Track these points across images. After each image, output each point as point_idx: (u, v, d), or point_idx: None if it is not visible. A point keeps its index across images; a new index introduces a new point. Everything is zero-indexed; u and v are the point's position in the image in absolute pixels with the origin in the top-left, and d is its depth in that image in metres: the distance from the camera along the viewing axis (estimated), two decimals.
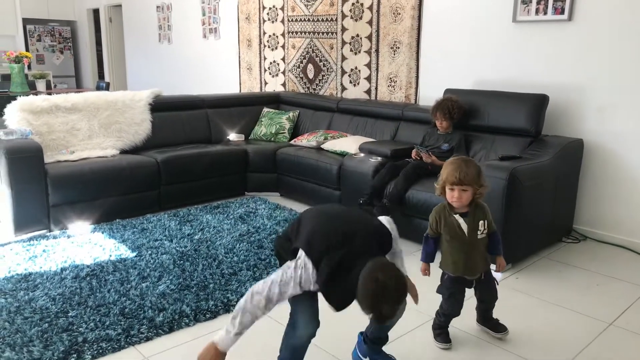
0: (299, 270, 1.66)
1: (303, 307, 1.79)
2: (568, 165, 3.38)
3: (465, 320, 2.37)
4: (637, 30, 3.19)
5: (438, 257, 2.24)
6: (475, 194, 2.06)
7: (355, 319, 2.44)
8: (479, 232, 2.11)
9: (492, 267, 2.26)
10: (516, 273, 2.98)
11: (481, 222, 2.12)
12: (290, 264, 1.70)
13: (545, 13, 3.55)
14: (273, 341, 1.98)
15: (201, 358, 1.73)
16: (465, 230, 2.10)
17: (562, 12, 3.46)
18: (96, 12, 9.45)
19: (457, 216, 2.10)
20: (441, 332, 2.28)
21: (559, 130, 3.59)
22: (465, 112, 3.63)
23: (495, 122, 3.60)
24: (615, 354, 2.20)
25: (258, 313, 1.70)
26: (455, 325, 2.36)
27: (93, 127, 4.15)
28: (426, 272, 2.24)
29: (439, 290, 2.24)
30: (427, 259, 2.23)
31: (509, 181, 2.82)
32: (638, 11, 3.17)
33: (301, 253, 1.68)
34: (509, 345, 2.25)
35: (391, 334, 2.13)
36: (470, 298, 2.28)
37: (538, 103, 3.43)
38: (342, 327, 2.38)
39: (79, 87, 10.05)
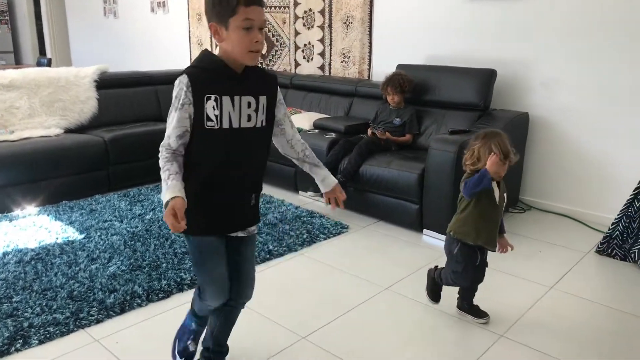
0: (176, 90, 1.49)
1: (214, 278, 1.65)
2: (515, 138, 3.43)
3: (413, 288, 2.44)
4: (580, 7, 3.30)
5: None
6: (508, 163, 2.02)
7: (308, 293, 2.48)
8: (503, 204, 2.11)
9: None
10: None
11: (505, 194, 2.11)
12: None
13: None
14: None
15: (168, 221, 1.40)
16: (497, 198, 2.06)
17: None
18: None
19: (495, 183, 2.05)
20: (470, 308, 2.26)
21: (506, 104, 3.70)
22: (415, 86, 3.67)
23: (446, 97, 3.66)
24: (555, 315, 2.32)
25: (164, 152, 1.51)
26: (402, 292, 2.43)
27: (34, 105, 3.94)
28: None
29: (443, 272, 2.21)
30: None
31: (458, 154, 2.89)
32: None
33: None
34: (455, 310, 2.33)
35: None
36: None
37: (486, 78, 3.51)
38: (299, 302, 2.41)
39: (18, 63, 9.48)
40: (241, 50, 1.47)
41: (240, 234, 1.68)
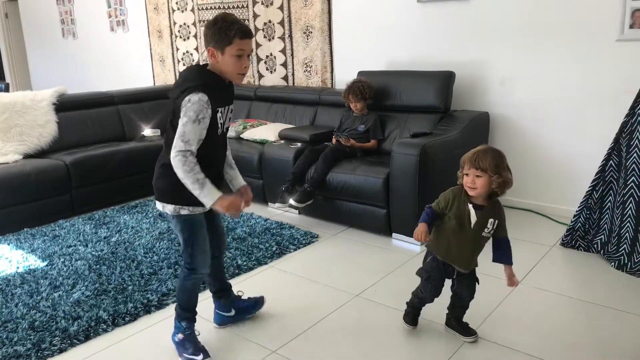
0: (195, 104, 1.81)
1: (203, 247, 2.01)
2: (476, 137, 3.54)
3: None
4: (529, 6, 3.38)
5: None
6: (490, 183, 1.89)
7: (277, 306, 2.45)
8: (485, 230, 1.96)
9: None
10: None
11: (491, 220, 1.96)
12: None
13: None
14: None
15: (225, 210, 1.85)
16: (472, 222, 1.96)
17: None
18: None
19: (470, 206, 1.95)
20: (411, 312, 2.22)
21: (466, 105, 3.76)
22: (376, 92, 3.70)
23: (407, 101, 3.70)
24: (523, 310, 2.35)
25: (184, 160, 1.80)
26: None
27: None
28: (424, 234, 1.95)
29: (418, 272, 2.14)
30: (427, 219, 1.99)
31: (421, 157, 2.92)
32: None
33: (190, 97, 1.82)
34: (427, 313, 2.33)
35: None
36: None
37: (445, 80, 3.57)
38: (268, 315, 2.39)
39: None
40: (232, 72, 1.89)
41: None
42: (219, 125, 1.90)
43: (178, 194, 1.89)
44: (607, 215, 2.86)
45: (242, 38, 1.83)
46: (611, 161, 2.82)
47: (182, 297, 2.07)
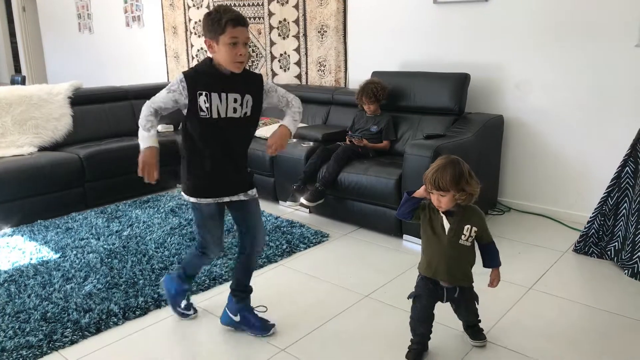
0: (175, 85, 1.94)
1: (212, 237, 2.13)
2: (490, 140, 3.53)
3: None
4: (548, 8, 3.35)
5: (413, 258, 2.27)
6: (455, 199, 1.86)
7: (287, 304, 2.45)
8: (462, 237, 1.91)
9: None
10: None
11: (467, 226, 1.91)
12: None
13: None
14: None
15: (143, 170, 1.95)
16: (446, 230, 1.92)
17: None
18: (8, 1, 8.80)
19: (442, 215, 1.92)
20: (414, 349, 2.02)
21: (480, 108, 3.73)
22: (390, 92, 3.69)
23: (421, 102, 3.69)
24: (534, 316, 2.33)
25: (148, 106, 1.97)
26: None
27: (6, 124, 3.88)
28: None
29: (409, 296, 2.05)
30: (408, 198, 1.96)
31: (433, 159, 2.90)
32: None
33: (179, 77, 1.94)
34: (437, 316, 2.32)
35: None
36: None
37: (460, 82, 3.55)
38: (278, 314, 2.39)
39: None
40: (228, 60, 1.92)
41: (242, 197, 2.10)
42: (204, 109, 1.92)
43: (185, 183, 2.09)
44: (621, 222, 2.82)
45: (235, 26, 1.87)
46: (627, 168, 2.79)
47: (189, 266, 2.28)
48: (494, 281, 2.03)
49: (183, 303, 2.33)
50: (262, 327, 2.20)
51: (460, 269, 1.98)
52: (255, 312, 2.24)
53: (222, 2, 5.18)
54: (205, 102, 1.92)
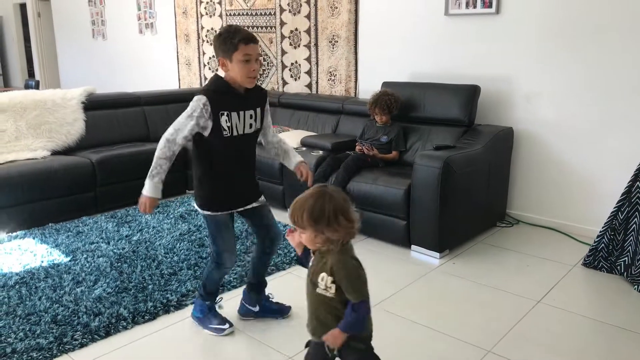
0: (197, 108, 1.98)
1: (227, 245, 2.17)
2: (500, 152, 3.53)
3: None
4: (557, 21, 3.37)
5: None
6: (316, 241, 1.52)
7: (294, 313, 2.46)
8: (319, 288, 1.53)
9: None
10: (453, 259, 3.09)
11: (322, 275, 1.52)
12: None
13: (474, 6, 3.68)
14: None
15: (140, 208, 2.01)
16: (309, 276, 1.58)
17: (490, 6, 3.60)
18: (23, 6, 8.95)
19: (312, 252, 1.60)
20: None
21: (490, 120, 3.74)
22: (401, 105, 3.71)
23: (431, 113, 3.70)
24: (542, 330, 2.32)
25: (168, 145, 1.98)
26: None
27: (20, 128, 3.94)
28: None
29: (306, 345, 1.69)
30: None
31: (443, 170, 2.91)
32: (558, 3, 3.34)
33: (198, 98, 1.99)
34: (444, 327, 2.32)
35: None
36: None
37: (470, 94, 3.56)
38: (285, 322, 2.40)
39: (6, 86, 9.51)
40: (242, 77, 2.01)
41: (254, 204, 2.20)
42: (226, 128, 2.01)
43: (201, 197, 2.14)
44: (631, 237, 2.81)
45: (247, 43, 1.97)
46: (638, 182, 2.78)
47: (209, 284, 2.28)
48: (331, 337, 1.53)
49: (215, 321, 2.29)
50: (281, 310, 2.41)
51: (320, 322, 1.56)
52: (271, 299, 2.44)
53: (234, 12, 5.24)
54: (227, 122, 2.00)
